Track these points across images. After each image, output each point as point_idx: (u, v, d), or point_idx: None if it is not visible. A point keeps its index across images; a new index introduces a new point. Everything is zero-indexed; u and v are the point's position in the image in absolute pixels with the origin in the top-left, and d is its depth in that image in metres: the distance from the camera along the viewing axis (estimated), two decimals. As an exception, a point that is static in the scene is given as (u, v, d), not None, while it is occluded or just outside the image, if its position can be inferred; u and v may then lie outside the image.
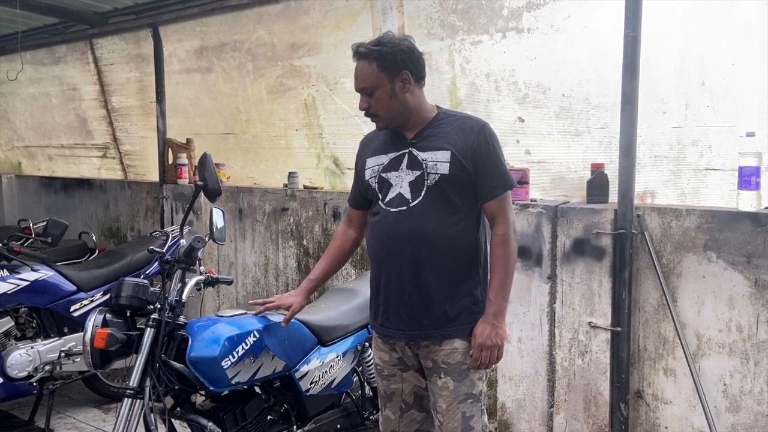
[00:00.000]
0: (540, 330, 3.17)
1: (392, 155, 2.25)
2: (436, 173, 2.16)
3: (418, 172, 2.18)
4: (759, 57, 2.80)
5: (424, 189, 2.16)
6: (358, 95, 2.23)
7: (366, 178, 2.31)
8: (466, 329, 2.20)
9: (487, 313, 2.18)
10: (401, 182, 2.21)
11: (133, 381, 2.34)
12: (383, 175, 2.25)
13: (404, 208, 2.18)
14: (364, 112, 2.24)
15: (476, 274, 2.24)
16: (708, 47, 2.95)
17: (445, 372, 2.20)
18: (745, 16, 2.84)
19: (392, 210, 2.20)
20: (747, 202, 2.70)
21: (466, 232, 2.20)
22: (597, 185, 3.11)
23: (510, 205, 2.21)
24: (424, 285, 2.17)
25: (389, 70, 2.15)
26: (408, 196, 2.18)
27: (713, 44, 2.93)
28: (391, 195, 2.22)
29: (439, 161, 2.16)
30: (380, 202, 2.25)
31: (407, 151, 2.22)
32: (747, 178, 2.68)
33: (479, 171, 2.16)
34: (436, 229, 2.15)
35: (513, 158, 3.43)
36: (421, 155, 2.19)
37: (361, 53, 2.17)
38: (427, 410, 2.33)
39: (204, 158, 2.61)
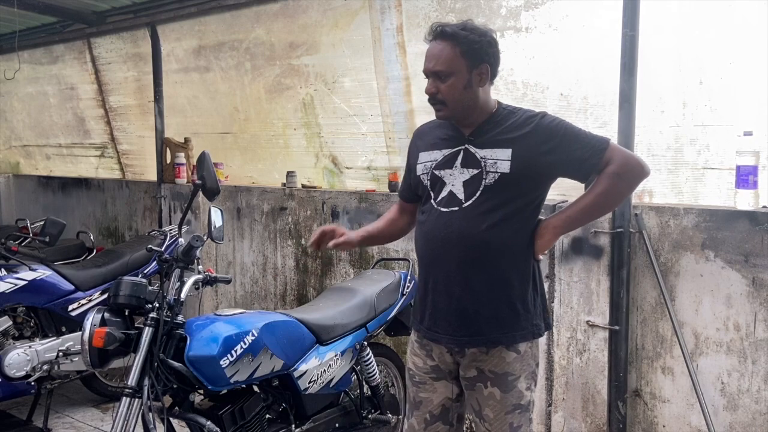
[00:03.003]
0: (538, 329, 3.17)
1: (446, 152, 2.12)
2: (496, 172, 2.01)
3: (474, 171, 2.04)
4: (757, 56, 2.81)
5: (481, 189, 2.03)
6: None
7: (418, 174, 2.18)
8: (516, 336, 2.07)
9: (549, 222, 2.08)
10: (454, 181, 2.07)
11: (132, 380, 2.33)
12: (436, 172, 2.12)
13: (456, 208, 2.05)
14: (428, 97, 2.07)
15: (528, 277, 2.09)
16: (706, 46, 2.96)
17: (492, 382, 2.08)
18: (743, 15, 2.84)
19: (443, 210, 2.08)
20: (745, 201, 2.70)
21: (521, 235, 2.05)
22: (595, 184, 3.11)
23: (619, 153, 2.03)
24: (474, 289, 2.05)
25: (472, 58, 1.99)
26: (461, 195, 2.05)
27: (711, 43, 2.94)
28: (443, 194, 2.09)
29: (499, 159, 2.02)
30: (432, 201, 2.12)
31: (463, 148, 2.09)
32: (745, 177, 2.69)
33: (563, 160, 2.02)
34: (489, 231, 2.01)
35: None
36: (480, 152, 2.05)
37: (446, 33, 1.99)
38: (451, 423, 2.22)
39: (202, 157, 2.61)
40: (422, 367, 2.22)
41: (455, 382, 2.19)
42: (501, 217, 2.02)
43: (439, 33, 2.01)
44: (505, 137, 2.04)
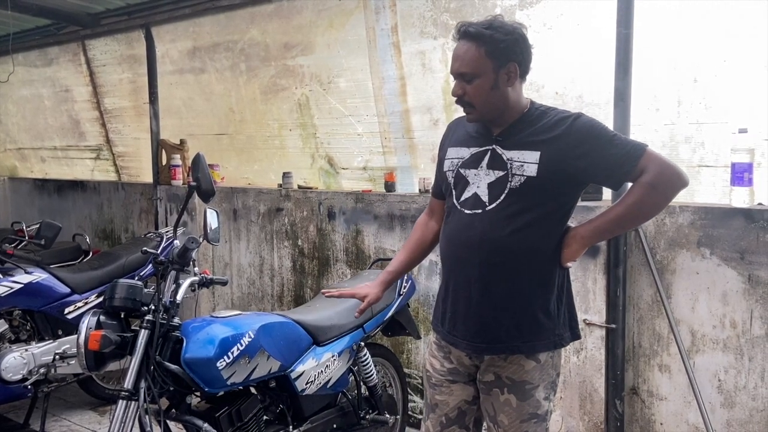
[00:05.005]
0: (535, 328, 3.18)
1: (474, 150, 2.05)
2: (522, 175, 1.94)
3: (500, 173, 1.97)
4: (751, 53, 2.81)
5: (506, 192, 1.96)
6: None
7: (444, 170, 2.13)
8: (537, 346, 2.01)
9: (577, 231, 1.99)
10: (479, 182, 2.01)
11: (128, 383, 2.33)
12: (461, 171, 2.05)
13: (479, 211, 1.99)
14: (456, 99, 2.01)
15: (552, 285, 2.01)
16: (700, 44, 2.96)
17: (509, 389, 2.03)
18: (737, 13, 2.85)
19: (466, 212, 2.02)
20: (740, 198, 2.71)
21: (546, 241, 1.98)
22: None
23: (656, 161, 1.89)
24: (494, 295, 1.99)
25: (497, 58, 1.92)
26: (485, 198, 1.99)
27: (705, 41, 2.94)
28: (466, 195, 2.03)
29: (526, 162, 1.94)
30: (454, 200, 2.07)
31: (490, 148, 2.02)
32: (740, 175, 2.69)
33: (595, 166, 1.92)
34: (512, 235, 1.94)
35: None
36: (507, 154, 1.98)
37: (469, 33, 1.93)
38: (467, 427, 2.19)
39: (197, 159, 2.60)
40: (439, 369, 2.18)
41: (472, 384, 2.15)
42: (526, 222, 1.95)
43: (464, 33, 1.95)
44: (534, 139, 1.96)
